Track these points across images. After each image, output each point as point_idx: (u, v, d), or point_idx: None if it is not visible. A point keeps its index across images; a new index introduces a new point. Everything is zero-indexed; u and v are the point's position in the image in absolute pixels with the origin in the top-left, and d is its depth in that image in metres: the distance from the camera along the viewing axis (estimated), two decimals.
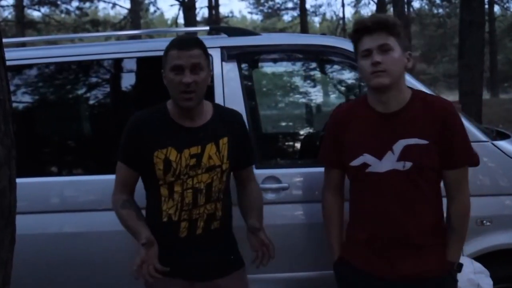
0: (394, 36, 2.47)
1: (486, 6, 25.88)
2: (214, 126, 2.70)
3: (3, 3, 28.37)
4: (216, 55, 3.43)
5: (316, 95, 5.02)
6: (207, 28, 4.18)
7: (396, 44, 2.47)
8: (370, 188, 2.59)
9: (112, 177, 3.42)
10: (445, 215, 2.64)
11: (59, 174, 3.66)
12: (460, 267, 2.59)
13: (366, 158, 2.55)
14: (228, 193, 2.82)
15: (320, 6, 44.05)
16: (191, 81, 2.52)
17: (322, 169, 3.01)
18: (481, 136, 3.25)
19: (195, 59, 2.54)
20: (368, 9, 41.87)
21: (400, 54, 2.48)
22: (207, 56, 2.65)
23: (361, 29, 2.51)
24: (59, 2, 29.82)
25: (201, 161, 2.63)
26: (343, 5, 39.80)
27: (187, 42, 2.59)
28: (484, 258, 3.15)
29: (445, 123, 2.46)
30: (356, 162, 2.58)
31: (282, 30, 37.76)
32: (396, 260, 2.54)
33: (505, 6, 35.88)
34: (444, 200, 2.65)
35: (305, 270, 3.36)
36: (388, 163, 2.50)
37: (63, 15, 31.52)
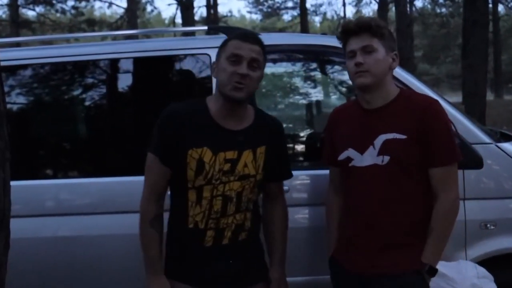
0: (377, 38, 2.57)
1: (490, 6, 25.89)
2: (254, 133, 2.59)
3: None
4: (214, 55, 3.41)
5: (317, 96, 5.03)
6: (205, 28, 4.19)
7: (380, 45, 2.57)
8: (353, 183, 2.67)
9: (108, 179, 3.43)
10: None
11: (54, 176, 3.66)
12: (433, 271, 2.55)
13: (350, 152, 2.65)
14: (257, 204, 2.74)
15: (320, 5, 44.11)
16: (247, 73, 2.44)
17: (322, 172, 3.02)
18: (485, 138, 3.25)
19: (255, 54, 2.47)
20: (370, 8, 42.03)
21: (383, 54, 2.58)
22: (265, 56, 2.58)
23: (346, 31, 2.64)
24: (54, 1, 29.81)
25: (236, 167, 2.51)
26: (344, 4, 39.97)
27: (251, 36, 2.55)
28: (488, 262, 3.15)
29: (424, 120, 2.51)
30: (342, 156, 2.69)
31: (281, 30, 37.81)
32: (374, 257, 2.59)
33: (509, 5, 35.87)
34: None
35: (306, 275, 3.36)
36: (369, 157, 2.57)
37: (58, 15, 31.51)
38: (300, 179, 3.41)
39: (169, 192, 2.65)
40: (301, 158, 4.03)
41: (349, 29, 2.61)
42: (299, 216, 3.38)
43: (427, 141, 2.51)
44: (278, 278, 2.70)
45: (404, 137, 2.51)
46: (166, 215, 2.64)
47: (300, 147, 4.31)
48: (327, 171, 2.99)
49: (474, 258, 3.16)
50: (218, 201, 2.51)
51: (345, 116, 2.78)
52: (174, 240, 2.62)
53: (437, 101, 2.62)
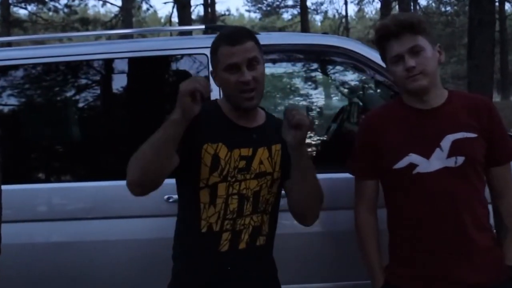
0: (421, 35, 2.45)
1: (497, 4, 25.94)
2: (268, 131, 2.54)
3: None
4: None
5: (318, 98, 5.04)
6: (203, 27, 4.20)
7: (426, 42, 2.46)
8: (419, 192, 2.50)
9: (103, 183, 3.43)
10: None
11: (47, 180, 3.66)
12: None
13: (413, 158, 2.49)
14: (277, 208, 2.61)
15: (321, 3, 43.90)
16: (250, 78, 2.35)
17: (323, 175, 3.02)
18: None
19: (250, 53, 2.37)
20: (372, 6, 42.06)
21: (431, 51, 2.47)
22: (260, 47, 2.47)
23: (385, 35, 2.50)
24: (46, 0, 29.86)
25: (251, 165, 2.45)
26: (346, 3, 39.75)
27: (238, 35, 2.41)
28: None
29: (489, 117, 2.48)
30: (401, 164, 2.51)
31: (281, 29, 37.84)
32: (452, 267, 2.48)
33: None
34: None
35: (306, 282, 3.36)
36: (438, 161, 2.45)
37: (51, 13, 31.57)
38: None
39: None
40: None
41: (389, 32, 2.47)
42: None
43: (492, 139, 2.48)
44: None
45: (474, 135, 2.44)
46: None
47: None
48: (329, 175, 2.98)
49: None
50: (234, 200, 2.42)
51: (391, 120, 2.61)
52: (184, 249, 2.52)
53: (488, 98, 2.63)
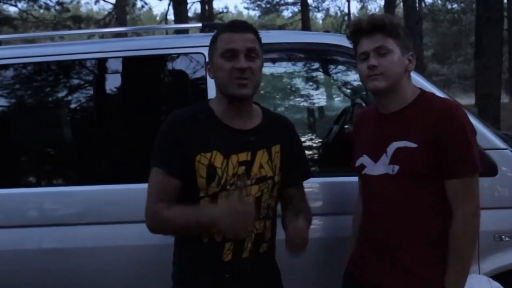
0: (392, 38, 2.50)
1: (505, 1, 25.95)
2: (266, 131, 2.52)
3: None
4: None
5: (319, 98, 5.04)
6: (200, 25, 4.19)
7: (395, 45, 2.51)
8: (367, 192, 2.69)
9: (95, 188, 3.43)
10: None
11: (38, 185, 3.67)
12: None
13: (364, 159, 2.63)
14: (276, 214, 2.61)
15: (323, 0, 43.99)
16: (246, 66, 2.35)
17: (325, 179, 3.03)
18: (500, 143, 3.25)
19: (250, 43, 2.39)
20: (376, 4, 42.08)
21: (399, 56, 2.51)
22: (261, 45, 2.49)
23: (358, 30, 2.57)
24: None
25: (251, 170, 2.43)
26: (348, 0, 39.83)
27: (241, 25, 2.45)
28: (503, 276, 3.15)
29: (438, 125, 2.43)
30: (357, 163, 2.68)
31: (281, 27, 37.85)
32: (380, 274, 2.57)
33: None
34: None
35: None
36: (382, 166, 2.54)
37: (42, 11, 31.52)
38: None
39: None
40: None
41: (361, 29, 2.54)
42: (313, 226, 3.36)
43: (443, 149, 2.41)
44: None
45: (414, 145, 2.45)
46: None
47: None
48: (331, 179, 2.99)
49: (488, 272, 3.16)
50: None
51: (365, 120, 2.77)
52: (186, 261, 2.53)
53: (457, 104, 2.54)
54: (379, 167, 2.55)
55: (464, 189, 2.45)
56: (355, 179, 2.80)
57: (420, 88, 2.65)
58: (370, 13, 2.52)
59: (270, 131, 2.53)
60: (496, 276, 3.12)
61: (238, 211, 2.15)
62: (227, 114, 2.46)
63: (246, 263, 2.46)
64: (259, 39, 2.47)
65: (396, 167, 2.48)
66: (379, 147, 2.56)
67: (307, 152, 4.23)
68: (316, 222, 3.20)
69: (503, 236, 3.23)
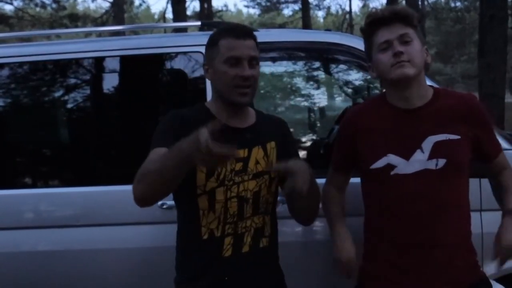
0: (412, 28, 2.50)
1: None
2: (260, 129, 2.61)
3: None
4: None
5: (320, 98, 5.04)
6: (199, 23, 4.20)
7: (415, 36, 2.50)
8: (396, 193, 2.54)
9: (93, 189, 3.43)
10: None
11: (33, 186, 3.67)
12: None
13: (390, 158, 2.53)
14: (275, 210, 2.70)
15: None
16: (251, 74, 2.44)
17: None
18: (504, 144, 3.24)
19: (253, 51, 2.47)
20: (378, 2, 42.07)
21: (420, 46, 2.51)
22: (258, 50, 2.57)
23: (377, 20, 2.53)
24: None
25: (248, 166, 2.50)
26: None
27: (243, 30, 2.52)
28: (507, 279, 3.16)
29: (476, 117, 2.53)
30: (378, 164, 2.56)
31: (282, 26, 37.83)
32: (425, 274, 2.51)
33: None
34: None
35: None
36: (417, 163, 2.49)
37: (38, 9, 31.53)
38: None
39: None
40: None
41: (381, 18, 2.51)
42: (299, 229, 3.36)
43: (482, 137, 2.55)
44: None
45: (457, 137, 2.47)
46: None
47: (300, 153, 4.31)
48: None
49: (491, 275, 3.16)
50: (233, 203, 2.48)
51: (374, 119, 2.65)
52: (187, 258, 2.57)
53: (473, 94, 2.64)
54: (413, 165, 2.49)
55: (504, 159, 2.71)
56: (354, 180, 2.80)
57: (431, 86, 2.67)
58: (384, 5, 2.49)
59: (265, 129, 2.62)
60: (500, 278, 3.13)
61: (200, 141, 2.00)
62: (224, 114, 2.52)
63: (246, 258, 2.51)
64: (257, 45, 2.54)
65: (442, 161, 2.46)
66: (409, 144, 2.51)
67: (307, 152, 4.24)
68: (317, 224, 3.21)
69: None
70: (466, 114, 2.50)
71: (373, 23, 2.55)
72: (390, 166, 2.53)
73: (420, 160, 2.48)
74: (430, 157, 2.47)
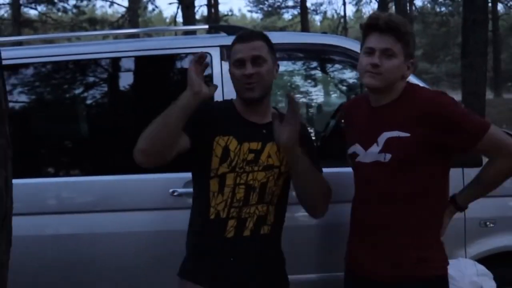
0: (401, 43, 2.46)
1: (490, 4, 25.86)
2: None
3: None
4: (215, 54, 3.44)
5: (318, 95, 5.02)
6: (206, 26, 4.19)
7: (401, 51, 2.46)
8: (358, 179, 2.66)
9: (111, 178, 3.43)
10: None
11: (56, 175, 3.67)
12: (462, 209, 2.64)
13: (356, 148, 2.62)
14: (284, 202, 2.71)
15: (321, 4, 43.96)
16: (253, 72, 2.50)
17: (325, 170, 3.02)
18: None
19: (255, 51, 2.53)
20: (370, 7, 41.91)
21: (401, 62, 2.47)
22: (272, 49, 2.63)
23: (373, 25, 2.51)
24: (56, 0, 29.84)
25: (260, 158, 2.55)
26: (344, 3, 39.90)
27: (248, 34, 2.63)
28: (488, 260, 3.15)
29: (431, 114, 2.42)
30: (349, 151, 2.67)
31: (282, 29, 37.81)
32: (377, 260, 2.53)
33: (508, 4, 35.88)
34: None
35: (305, 273, 3.35)
36: (372, 154, 2.52)
37: (60, 14, 31.54)
38: None
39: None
40: None
41: (376, 25, 2.48)
42: (300, 214, 3.35)
43: (447, 134, 2.41)
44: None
45: (407, 135, 2.43)
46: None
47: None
48: (328, 169, 2.98)
49: (473, 256, 3.16)
50: (241, 189, 2.52)
51: (356, 111, 2.74)
52: (195, 234, 2.64)
53: (440, 92, 2.56)
54: (369, 155, 2.54)
55: (493, 141, 2.45)
56: (349, 169, 2.80)
57: (407, 82, 2.62)
58: (390, 13, 2.43)
59: None
60: (481, 259, 3.13)
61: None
62: (245, 111, 2.63)
63: (247, 241, 2.54)
64: (269, 45, 2.60)
65: (388, 156, 2.46)
66: (370, 137, 2.55)
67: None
68: None
69: (487, 223, 3.23)
70: (421, 115, 2.43)
71: (369, 26, 2.53)
72: (355, 154, 2.62)
73: (373, 153, 2.52)
74: (381, 151, 2.49)
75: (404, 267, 2.47)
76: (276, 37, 3.71)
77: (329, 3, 63.67)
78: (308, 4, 35.91)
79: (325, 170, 3.07)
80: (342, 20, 38.99)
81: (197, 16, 30.84)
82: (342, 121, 2.88)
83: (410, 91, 2.56)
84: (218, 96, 3.34)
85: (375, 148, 2.52)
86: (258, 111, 2.62)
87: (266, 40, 2.61)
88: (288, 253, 2.76)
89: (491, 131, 2.44)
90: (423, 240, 2.50)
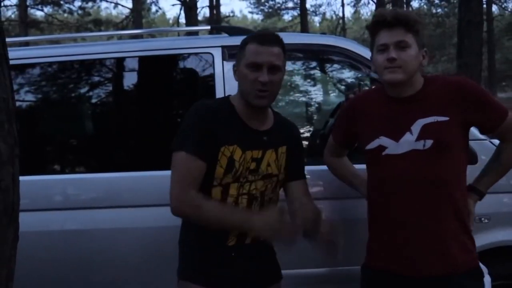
0: (412, 33, 2.41)
1: (484, 6, 25.83)
2: (275, 133, 2.52)
3: (7, 2, 28.45)
4: (217, 54, 3.44)
5: (317, 94, 5.02)
6: (208, 27, 4.18)
7: (414, 41, 2.42)
8: (387, 172, 2.50)
9: (115, 175, 3.42)
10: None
11: (61, 172, 3.67)
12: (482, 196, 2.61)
13: (382, 140, 2.49)
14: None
15: (320, 5, 44.12)
16: (268, 80, 2.34)
17: (321, 167, 3.02)
18: (479, 135, 3.23)
19: (275, 59, 2.37)
20: (368, 8, 41.90)
21: (416, 51, 2.43)
22: (285, 55, 2.47)
23: (380, 22, 2.45)
24: (62, 2, 29.83)
25: (260, 167, 2.43)
26: (342, 5, 39.66)
27: (269, 38, 2.41)
28: (483, 255, 3.14)
29: (464, 98, 2.41)
30: (371, 145, 2.53)
31: (282, 30, 37.76)
32: (417, 257, 2.43)
33: (503, 5, 35.85)
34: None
35: (321, 267, 3.34)
36: (406, 144, 2.43)
37: (65, 15, 31.51)
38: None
39: None
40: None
41: (384, 21, 2.43)
42: None
43: (475, 115, 2.41)
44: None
45: (446, 118, 2.39)
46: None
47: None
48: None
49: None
50: (244, 199, 2.42)
51: (370, 105, 2.61)
52: (194, 241, 2.50)
53: (462, 77, 2.53)
54: (403, 145, 2.43)
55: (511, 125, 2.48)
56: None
57: (422, 76, 2.59)
58: (393, 8, 2.38)
59: (279, 133, 2.53)
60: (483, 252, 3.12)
61: (276, 226, 2.17)
62: (247, 114, 2.46)
63: (248, 249, 2.46)
64: (284, 51, 2.44)
65: (429, 142, 2.39)
66: (400, 127, 2.45)
67: (305, 142, 4.23)
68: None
69: (482, 218, 3.22)
70: (454, 97, 2.40)
71: (377, 24, 2.47)
72: (382, 147, 2.49)
73: (408, 141, 2.42)
74: (418, 139, 2.41)
75: (454, 258, 2.41)
76: None
77: (328, 4, 63.68)
78: (308, 6, 35.92)
79: (324, 167, 3.07)
80: (340, 21, 38.92)
81: (199, 17, 30.93)
82: (347, 112, 2.75)
83: (433, 79, 2.53)
84: (219, 95, 3.35)
85: (409, 137, 2.43)
86: (259, 116, 2.49)
87: (283, 46, 2.45)
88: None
89: (511, 115, 2.48)
90: (463, 228, 2.47)
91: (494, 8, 36.37)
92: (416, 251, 2.42)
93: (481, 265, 2.71)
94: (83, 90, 3.74)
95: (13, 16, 30.47)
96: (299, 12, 35.33)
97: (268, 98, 2.40)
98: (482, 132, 2.51)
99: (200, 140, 2.34)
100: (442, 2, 35.64)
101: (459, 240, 2.43)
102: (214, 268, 2.44)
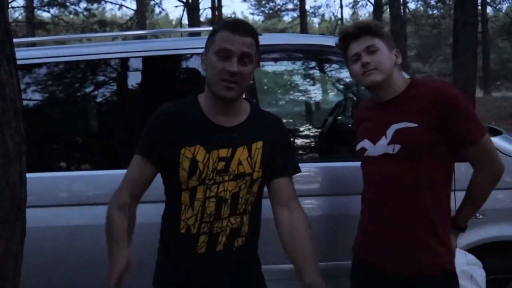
0: (378, 37, 2.47)
1: (479, 7, 25.82)
2: (249, 128, 2.29)
3: (14, 4, 28.50)
4: None
5: (316, 93, 5.02)
6: (211, 28, 4.17)
7: (382, 44, 2.47)
8: (368, 173, 2.60)
9: (119, 172, 3.43)
10: (452, 204, 2.58)
11: (67, 169, 3.67)
12: (463, 229, 2.57)
13: (365, 143, 2.58)
14: (259, 207, 2.39)
15: (319, 7, 44.08)
16: (237, 70, 2.13)
17: (320, 164, 3.02)
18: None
19: (246, 48, 2.15)
20: (366, 10, 41.93)
21: (387, 52, 2.48)
22: (258, 49, 2.26)
23: (347, 36, 2.54)
24: (67, 4, 29.87)
25: (230, 166, 2.21)
26: (341, 6, 39.75)
27: (242, 27, 2.17)
28: (477, 250, 3.15)
29: (437, 104, 2.36)
30: (358, 147, 2.63)
31: (282, 31, 37.78)
32: (386, 253, 2.48)
33: (497, 7, 35.82)
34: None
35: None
36: (381, 147, 2.49)
37: (71, 16, 31.54)
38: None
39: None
40: (300, 152, 4.02)
41: (349, 34, 2.52)
42: (311, 206, 3.33)
43: (449, 123, 2.35)
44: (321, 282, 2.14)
45: (414, 125, 2.39)
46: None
47: (299, 142, 4.30)
48: (325, 164, 2.97)
49: (464, 246, 3.16)
50: (212, 203, 2.22)
51: (364, 112, 2.72)
52: (165, 247, 2.37)
53: (446, 83, 2.50)
54: (378, 148, 2.49)
55: (482, 150, 2.42)
56: (347, 164, 2.79)
57: (411, 78, 2.62)
58: (353, 21, 2.47)
59: (254, 128, 2.31)
60: (471, 249, 3.13)
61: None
62: (213, 110, 2.27)
63: (219, 256, 2.26)
64: (257, 42, 2.24)
65: (397, 146, 2.42)
66: (378, 131, 2.51)
67: (304, 140, 4.23)
68: (314, 202, 3.21)
69: (477, 214, 3.22)
70: (433, 103, 2.36)
71: (344, 38, 2.56)
72: (363, 149, 2.58)
73: (382, 145, 2.48)
74: (389, 143, 2.45)
75: (419, 261, 2.42)
76: (277, 39, 3.73)
77: (327, 6, 63.65)
78: (307, 7, 35.93)
79: (322, 164, 3.07)
80: (339, 22, 38.86)
81: (202, 19, 30.92)
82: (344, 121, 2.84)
83: (416, 84, 2.53)
84: None
85: (383, 141, 2.48)
86: (228, 111, 2.26)
87: (257, 39, 2.23)
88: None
89: (486, 137, 2.41)
90: (432, 233, 2.44)
91: (489, 9, 36.38)
92: (388, 248, 2.48)
93: (475, 259, 2.71)
94: (88, 90, 3.74)
95: (20, 17, 30.49)
96: (298, 14, 35.30)
97: (236, 90, 2.17)
98: (453, 146, 2.42)
99: (149, 142, 2.27)
100: (438, 4, 35.57)
101: (427, 245, 2.43)
102: (183, 276, 2.30)
